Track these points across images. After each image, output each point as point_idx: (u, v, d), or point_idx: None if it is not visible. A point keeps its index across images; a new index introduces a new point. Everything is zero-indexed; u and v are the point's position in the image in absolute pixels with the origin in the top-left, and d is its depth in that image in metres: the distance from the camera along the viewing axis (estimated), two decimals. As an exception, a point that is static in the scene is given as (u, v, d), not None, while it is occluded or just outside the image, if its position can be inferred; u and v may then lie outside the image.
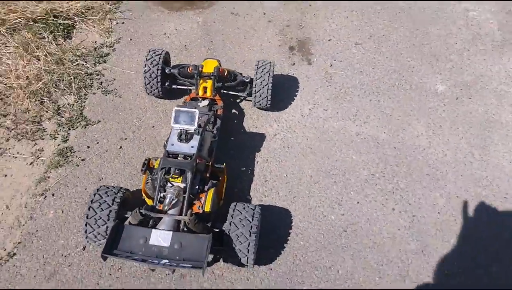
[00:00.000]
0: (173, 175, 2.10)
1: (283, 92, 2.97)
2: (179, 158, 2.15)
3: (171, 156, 2.16)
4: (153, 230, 1.93)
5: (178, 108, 2.16)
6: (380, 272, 2.21)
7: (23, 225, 2.40)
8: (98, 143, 2.71)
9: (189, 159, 2.13)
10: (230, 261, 2.14)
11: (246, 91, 2.76)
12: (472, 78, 3.11)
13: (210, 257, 2.25)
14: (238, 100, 2.92)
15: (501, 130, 2.83)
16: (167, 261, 1.84)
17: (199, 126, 2.25)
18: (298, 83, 3.04)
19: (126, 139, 2.72)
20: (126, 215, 2.13)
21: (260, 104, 2.71)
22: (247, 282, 2.19)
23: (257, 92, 2.64)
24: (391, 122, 2.83)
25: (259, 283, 2.19)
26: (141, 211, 1.99)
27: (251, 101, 2.77)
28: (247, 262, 2.05)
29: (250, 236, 2.00)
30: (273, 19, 3.46)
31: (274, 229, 2.36)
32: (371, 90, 3.00)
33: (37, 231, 2.37)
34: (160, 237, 1.91)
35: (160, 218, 2.02)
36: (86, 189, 2.50)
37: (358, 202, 2.47)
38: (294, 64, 3.15)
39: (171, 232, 1.92)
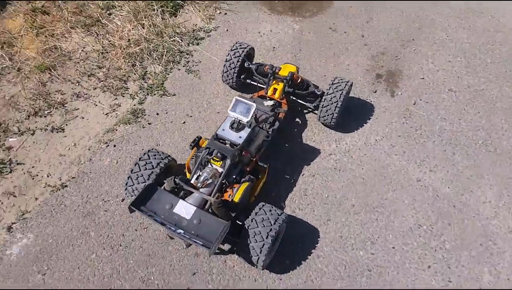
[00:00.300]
0: (214, 158, 2.17)
1: (354, 115, 2.88)
2: (226, 144, 2.21)
3: (219, 140, 2.22)
4: (180, 200, 2.00)
5: (238, 98, 2.22)
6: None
7: (82, 164, 2.65)
8: (167, 113, 2.90)
9: (234, 147, 2.17)
10: (242, 256, 2.12)
11: (314, 103, 2.73)
12: None
13: (227, 247, 2.27)
14: (305, 111, 2.90)
15: None
16: (182, 231, 1.90)
17: (255, 120, 2.28)
18: (373, 111, 2.92)
19: (191, 116, 2.87)
20: (165, 181, 2.25)
21: (325, 120, 2.66)
22: (254, 282, 2.17)
23: (324, 106, 2.59)
24: (459, 179, 2.57)
25: (264, 287, 2.14)
26: (175, 179, 2.08)
27: (317, 114, 2.73)
28: (257, 262, 2.03)
29: (266, 238, 1.97)
30: (370, 43, 3.38)
31: (297, 243, 2.29)
32: (450, 141, 2.76)
33: (90, 172, 2.61)
34: (184, 208, 1.97)
35: (191, 193, 2.09)
36: (143, 149, 2.69)
37: (393, 247, 2.29)
38: (376, 92, 3.03)
39: (195, 208, 1.97)
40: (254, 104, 2.19)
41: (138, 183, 2.22)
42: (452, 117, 2.90)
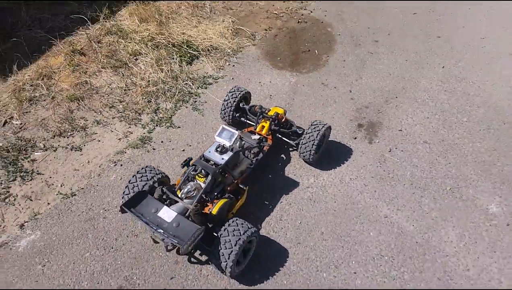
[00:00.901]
0: (199, 174, 2.52)
1: (333, 156, 3.21)
2: (209, 164, 2.58)
3: (205, 160, 2.60)
4: (165, 206, 2.34)
5: (224, 126, 2.63)
6: None
7: (91, 178, 3.05)
8: (170, 141, 3.32)
9: (214, 170, 2.53)
10: (213, 263, 2.38)
11: (296, 141, 3.09)
12: (537, 213, 2.89)
13: (204, 258, 2.54)
14: (290, 149, 3.26)
15: (548, 274, 2.55)
16: (162, 231, 2.21)
17: (241, 148, 2.66)
18: (351, 154, 3.25)
19: (190, 146, 3.27)
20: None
21: (304, 156, 3.00)
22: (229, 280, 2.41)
23: (303, 144, 2.95)
24: (424, 219, 2.80)
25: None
26: (163, 188, 2.44)
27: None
28: (225, 268, 2.29)
29: (235, 245, 2.25)
30: (356, 98, 3.79)
31: (267, 261, 2.55)
32: (419, 186, 3.03)
33: (97, 185, 2.99)
34: (167, 213, 2.31)
35: (176, 202, 2.43)
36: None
37: (355, 272, 2.50)
38: (355, 138, 3.38)
39: (176, 213, 2.30)
40: (237, 132, 2.59)
41: (134, 192, 2.58)
42: (424, 165, 3.19)
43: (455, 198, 2.96)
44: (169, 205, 2.39)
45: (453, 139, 3.41)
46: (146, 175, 2.61)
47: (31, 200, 2.92)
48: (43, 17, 4.63)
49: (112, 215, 2.79)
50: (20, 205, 2.89)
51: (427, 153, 3.28)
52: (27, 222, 2.77)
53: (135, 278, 2.46)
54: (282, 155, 3.21)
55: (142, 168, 2.66)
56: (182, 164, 2.69)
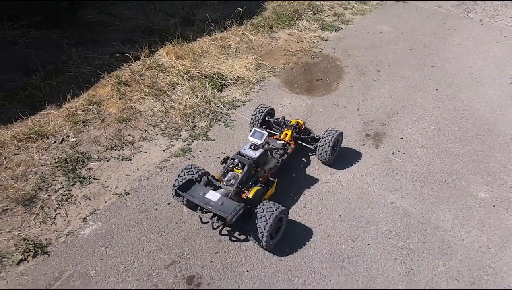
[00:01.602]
0: (236, 167, 3.11)
1: (346, 159, 3.79)
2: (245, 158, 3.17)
3: (241, 155, 3.19)
4: (211, 190, 2.91)
5: (255, 128, 3.26)
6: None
7: (141, 180, 3.63)
8: (207, 151, 3.93)
9: (249, 161, 3.12)
10: (251, 235, 2.89)
11: (314, 144, 3.69)
12: (520, 198, 3.41)
13: (242, 237, 3.06)
14: (310, 154, 3.85)
15: (533, 246, 3.03)
16: (210, 207, 2.77)
17: (267, 145, 3.27)
18: (361, 157, 3.83)
19: (224, 153, 3.87)
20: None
21: (321, 157, 3.59)
22: (260, 261, 2.90)
23: (320, 146, 3.55)
24: (424, 203, 3.33)
25: (269, 265, 2.87)
26: (209, 177, 3.02)
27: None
28: (262, 239, 2.79)
29: (269, 218, 2.78)
30: (363, 114, 4.42)
31: (295, 237, 3.06)
32: (419, 179, 3.58)
33: (147, 186, 3.57)
34: (213, 195, 2.87)
35: (218, 188, 3.00)
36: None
37: (368, 244, 3.00)
38: (364, 145, 3.98)
39: (220, 195, 2.86)
40: (266, 132, 3.22)
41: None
42: (422, 163, 3.75)
43: (450, 188, 3.50)
44: (214, 190, 2.97)
45: (446, 144, 4.00)
46: (192, 170, 3.19)
47: (90, 199, 3.49)
48: (90, 56, 5.42)
49: (162, 207, 3.34)
50: (80, 203, 3.44)
51: (424, 155, 3.86)
52: (88, 216, 3.31)
53: (185, 253, 2.97)
54: (303, 159, 3.80)
55: (188, 165, 3.25)
56: (221, 161, 3.28)
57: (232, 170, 3.15)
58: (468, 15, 7.06)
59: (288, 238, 3.05)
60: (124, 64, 5.22)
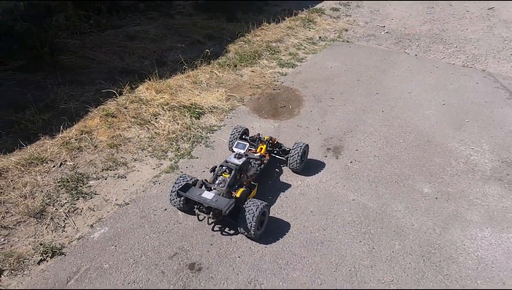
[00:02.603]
0: (224, 172, 3.72)
1: (312, 168, 4.49)
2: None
3: (227, 163, 3.81)
4: (206, 191, 3.49)
5: (238, 141, 3.94)
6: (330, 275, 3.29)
7: (138, 193, 4.11)
8: (193, 167, 4.50)
9: (236, 166, 3.74)
10: (241, 226, 3.44)
11: (285, 156, 4.38)
12: (454, 191, 4.23)
13: (232, 232, 3.60)
14: (282, 165, 4.52)
15: (463, 222, 3.80)
16: (208, 202, 3.34)
17: (246, 155, 3.92)
18: (324, 166, 4.55)
19: (207, 168, 4.45)
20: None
21: (292, 166, 4.27)
22: (249, 249, 3.45)
23: (291, 157, 4.24)
24: (380, 199, 4.06)
25: (256, 251, 3.42)
26: (203, 180, 3.60)
27: (287, 164, 4.35)
28: (250, 228, 3.37)
29: (256, 211, 3.37)
30: (323, 132, 5.20)
31: (276, 229, 3.66)
32: (374, 181, 4.33)
33: (144, 197, 4.05)
34: (208, 194, 3.45)
35: (210, 189, 3.57)
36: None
37: (337, 232, 3.65)
38: (326, 156, 4.71)
39: (214, 193, 3.45)
40: (247, 143, 3.89)
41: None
42: (375, 169, 4.52)
43: (400, 186, 4.27)
44: (208, 191, 3.54)
45: (394, 153, 4.83)
46: (186, 178, 3.75)
47: (94, 210, 3.92)
48: (75, 94, 5.92)
49: (160, 213, 3.83)
50: (86, 214, 3.87)
51: (377, 162, 4.65)
52: (95, 223, 3.74)
53: (185, 246, 3.47)
54: (277, 169, 4.47)
55: (182, 174, 3.81)
56: (210, 169, 3.88)
57: (221, 175, 3.75)
58: (405, 51, 8.29)
59: (271, 230, 3.64)
60: (109, 99, 5.77)
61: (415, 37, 9.08)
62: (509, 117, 5.82)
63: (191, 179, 3.74)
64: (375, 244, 3.56)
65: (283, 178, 4.35)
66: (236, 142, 3.97)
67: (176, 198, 3.68)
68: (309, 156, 4.62)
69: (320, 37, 8.76)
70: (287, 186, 4.23)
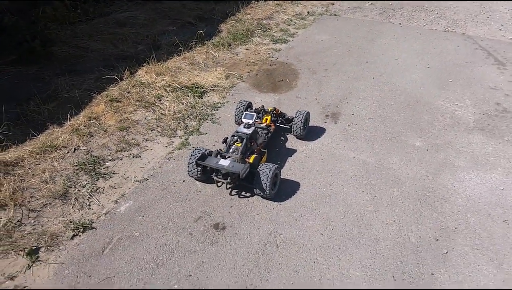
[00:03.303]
0: (236, 141, 4.05)
1: (314, 133, 4.85)
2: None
3: (238, 133, 4.13)
4: (222, 159, 3.82)
5: (246, 112, 4.25)
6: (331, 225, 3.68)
7: (155, 169, 4.41)
8: (203, 142, 4.80)
9: (246, 135, 4.07)
10: (258, 188, 3.80)
11: (289, 124, 4.72)
12: (442, 142, 4.66)
13: (249, 195, 3.96)
14: (287, 134, 4.86)
15: (452, 168, 4.22)
16: (225, 168, 3.67)
17: (254, 125, 4.25)
18: (325, 131, 4.92)
19: (217, 142, 4.76)
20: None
21: (296, 133, 4.62)
22: (265, 207, 3.81)
23: (294, 124, 4.59)
24: (377, 155, 4.46)
25: (272, 209, 3.79)
26: (218, 150, 3.93)
27: (292, 132, 4.70)
28: (265, 188, 3.71)
29: (269, 172, 3.72)
30: (320, 102, 5.54)
31: (288, 188, 4.02)
32: (370, 139, 4.72)
33: (161, 172, 4.35)
34: (224, 161, 3.78)
35: (225, 158, 3.90)
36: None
37: (342, 185, 4.03)
38: (326, 122, 5.08)
39: (230, 160, 3.78)
40: (255, 114, 4.21)
41: (195, 158, 4.02)
42: (371, 129, 4.91)
43: (394, 142, 4.67)
44: (223, 158, 3.88)
45: (387, 114, 5.21)
46: (201, 150, 4.06)
47: (115, 188, 4.21)
48: (76, 82, 6.11)
49: (179, 184, 4.15)
50: (108, 192, 4.15)
51: (372, 123, 5.03)
52: (119, 199, 4.05)
53: (207, 210, 3.81)
54: (282, 138, 4.82)
55: (197, 147, 4.12)
56: (222, 140, 4.21)
57: (233, 145, 4.08)
58: (390, 20, 8.64)
59: (283, 190, 4.00)
60: (111, 85, 5.98)
61: (398, 6, 9.42)
62: (488, 74, 6.26)
63: (205, 150, 4.05)
64: (376, 192, 3.96)
65: (288, 144, 4.70)
66: (244, 113, 4.30)
67: (194, 169, 4.00)
68: (310, 123, 4.97)
69: (308, 12, 9.03)
70: (293, 151, 4.58)
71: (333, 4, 9.69)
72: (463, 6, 9.22)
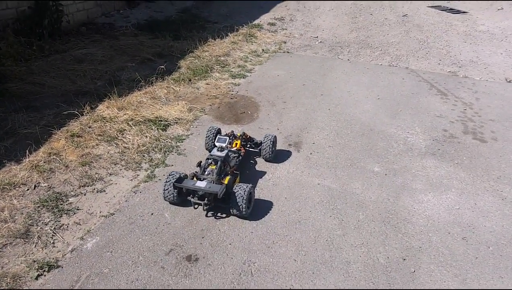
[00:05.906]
0: (210, 164, 4.15)
1: (280, 159, 5.05)
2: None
3: (212, 156, 4.24)
4: (198, 181, 3.91)
5: (219, 136, 4.47)
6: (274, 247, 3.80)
7: (121, 203, 4.32)
8: (170, 175, 4.80)
9: (220, 158, 4.19)
10: (234, 208, 3.85)
11: (259, 148, 4.93)
12: (399, 167, 4.99)
13: (224, 216, 4.00)
14: (256, 157, 5.03)
15: (410, 191, 4.52)
16: (203, 189, 3.75)
17: (227, 148, 4.39)
18: (289, 157, 5.12)
19: (183, 173, 4.76)
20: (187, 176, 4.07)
21: (265, 156, 4.83)
22: (238, 236, 3.85)
23: (263, 149, 4.78)
24: (340, 180, 4.68)
25: (244, 237, 3.83)
26: (194, 173, 4.01)
27: (261, 156, 4.90)
28: (241, 207, 3.80)
29: (244, 192, 3.82)
30: (283, 131, 5.76)
31: (260, 208, 4.14)
32: (332, 166, 4.96)
33: (128, 206, 4.27)
34: (200, 183, 3.88)
35: (201, 180, 3.98)
36: (158, 191, 4.48)
37: (310, 211, 4.18)
38: (290, 151, 5.27)
39: (206, 182, 3.88)
40: (227, 137, 4.40)
41: (171, 183, 4.02)
42: (332, 157, 5.16)
43: (354, 168, 4.93)
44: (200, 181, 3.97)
45: (345, 142, 5.52)
46: (175, 175, 4.09)
47: (81, 224, 4.06)
48: (35, 118, 5.93)
49: (148, 217, 4.09)
50: (73, 229, 4.00)
51: (332, 151, 5.30)
52: (84, 235, 3.92)
53: (179, 242, 3.77)
54: (252, 161, 4.96)
55: (171, 172, 4.15)
56: (196, 164, 4.34)
57: (208, 167, 4.20)
58: (339, 57, 9.24)
59: (257, 208, 4.15)
60: (71, 120, 5.86)
61: (345, 44, 10.11)
62: (433, 104, 6.85)
63: (179, 174, 4.09)
64: (343, 217, 4.13)
65: (258, 166, 4.91)
66: (217, 137, 4.52)
67: (170, 193, 4.05)
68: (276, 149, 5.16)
69: (263, 50, 9.45)
70: (262, 173, 4.79)
71: (285, 42, 10.22)
72: (404, 43, 10.08)
